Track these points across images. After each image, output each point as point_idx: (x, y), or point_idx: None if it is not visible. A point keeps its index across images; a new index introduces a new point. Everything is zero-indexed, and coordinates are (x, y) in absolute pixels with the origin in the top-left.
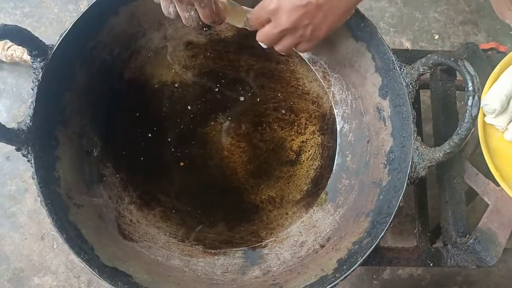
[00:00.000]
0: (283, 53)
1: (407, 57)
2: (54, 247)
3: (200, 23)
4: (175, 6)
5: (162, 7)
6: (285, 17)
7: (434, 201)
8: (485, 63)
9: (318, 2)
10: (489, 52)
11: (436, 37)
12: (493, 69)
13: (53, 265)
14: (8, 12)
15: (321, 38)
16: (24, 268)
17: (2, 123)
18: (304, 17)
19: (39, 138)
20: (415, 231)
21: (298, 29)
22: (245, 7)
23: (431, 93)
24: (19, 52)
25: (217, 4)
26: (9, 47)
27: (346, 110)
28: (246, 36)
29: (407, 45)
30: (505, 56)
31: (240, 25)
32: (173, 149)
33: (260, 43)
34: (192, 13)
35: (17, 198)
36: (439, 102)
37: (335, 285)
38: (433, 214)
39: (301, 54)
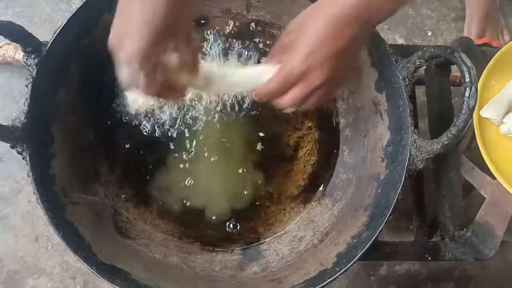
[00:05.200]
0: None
1: (403, 51)
2: (49, 248)
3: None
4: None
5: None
6: (319, 73)
7: (431, 196)
8: (479, 57)
9: (344, 45)
10: (482, 47)
11: (429, 33)
12: (487, 63)
13: (48, 267)
14: None
15: (348, 76)
16: (19, 270)
17: None
18: (335, 65)
19: (34, 135)
20: (411, 227)
21: (331, 80)
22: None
23: (426, 88)
24: (11, 52)
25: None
26: (0, 47)
27: (343, 105)
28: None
29: (401, 41)
30: (498, 50)
31: (220, 93)
32: (170, 146)
33: (286, 110)
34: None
35: (10, 199)
36: (434, 97)
37: (335, 279)
38: (430, 208)
39: None
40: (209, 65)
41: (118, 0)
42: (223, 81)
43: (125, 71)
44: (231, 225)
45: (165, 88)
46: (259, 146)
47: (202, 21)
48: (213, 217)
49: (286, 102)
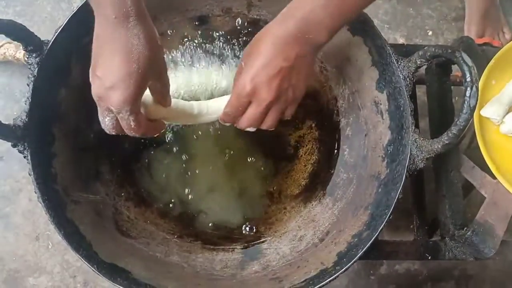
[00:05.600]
0: (272, 129)
1: (403, 51)
2: (49, 247)
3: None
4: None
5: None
6: (265, 91)
7: (431, 195)
8: (480, 56)
9: (289, 64)
10: (483, 47)
11: (430, 33)
12: (488, 63)
13: (49, 265)
14: (0, 11)
15: (302, 94)
16: (19, 268)
17: None
18: (282, 82)
19: (35, 134)
20: (412, 226)
21: (281, 97)
22: (190, 103)
23: (426, 88)
24: (12, 51)
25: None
26: (1, 46)
27: (343, 104)
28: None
29: (401, 41)
30: (499, 50)
31: (191, 122)
32: (171, 146)
33: (247, 129)
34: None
35: (11, 198)
36: (435, 97)
37: (335, 278)
38: (430, 208)
39: None
40: (176, 101)
41: (93, 47)
42: (192, 114)
43: (112, 119)
44: (247, 228)
45: (149, 124)
46: (259, 146)
47: (197, 23)
48: (210, 224)
49: (245, 122)
